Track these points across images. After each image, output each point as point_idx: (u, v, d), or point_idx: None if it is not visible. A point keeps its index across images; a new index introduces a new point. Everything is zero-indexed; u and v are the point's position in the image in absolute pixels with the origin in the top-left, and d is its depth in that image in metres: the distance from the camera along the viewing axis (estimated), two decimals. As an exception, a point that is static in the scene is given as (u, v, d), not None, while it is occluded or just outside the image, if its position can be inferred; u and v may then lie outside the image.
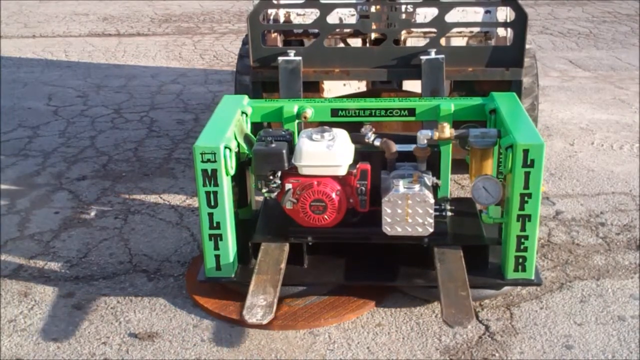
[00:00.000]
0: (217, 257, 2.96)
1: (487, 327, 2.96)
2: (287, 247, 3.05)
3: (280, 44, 3.73)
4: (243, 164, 3.07)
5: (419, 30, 3.80)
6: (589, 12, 10.59)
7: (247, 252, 3.08)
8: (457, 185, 4.34)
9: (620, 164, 4.70)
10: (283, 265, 2.93)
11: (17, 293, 3.27)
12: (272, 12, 3.78)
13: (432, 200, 2.83)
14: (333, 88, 4.30)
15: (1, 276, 3.40)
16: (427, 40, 3.70)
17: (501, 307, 3.09)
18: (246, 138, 3.11)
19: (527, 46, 3.49)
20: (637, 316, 3.02)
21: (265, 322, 2.63)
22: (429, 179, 2.92)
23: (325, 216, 2.94)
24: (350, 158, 2.94)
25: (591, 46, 8.43)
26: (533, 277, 2.93)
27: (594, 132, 5.33)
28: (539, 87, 4.06)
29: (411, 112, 3.24)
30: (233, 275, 3.01)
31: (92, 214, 4.04)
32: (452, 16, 3.45)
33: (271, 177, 2.92)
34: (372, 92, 3.99)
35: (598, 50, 8.20)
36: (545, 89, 6.39)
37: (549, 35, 9.05)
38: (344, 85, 4.30)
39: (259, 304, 2.69)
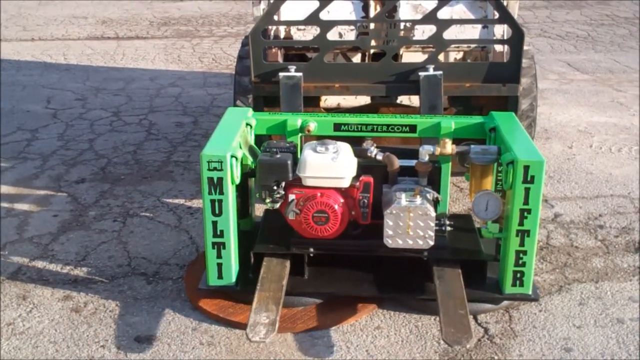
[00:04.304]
0: (220, 265, 2.98)
1: (486, 330, 2.97)
2: (288, 263, 3.07)
3: (280, 59, 3.78)
4: (246, 175, 3.09)
5: (418, 45, 3.84)
6: (587, 15, 10.61)
7: (247, 263, 3.10)
8: (455, 188, 4.34)
9: (618, 166, 4.71)
10: (285, 282, 2.95)
11: (15, 296, 3.26)
12: (272, 27, 3.81)
13: (433, 214, 2.86)
14: (330, 97, 4.34)
15: (0, 279, 3.40)
16: (426, 54, 3.73)
17: (500, 309, 3.09)
18: (250, 149, 3.14)
19: (525, 47, 3.51)
20: (636, 319, 3.03)
21: (268, 340, 2.65)
22: (429, 194, 2.95)
23: (327, 227, 2.96)
24: (353, 170, 2.97)
25: (589, 49, 8.45)
26: (530, 293, 2.96)
27: (592, 135, 5.34)
28: (538, 89, 4.07)
29: (412, 128, 3.29)
30: (234, 284, 3.03)
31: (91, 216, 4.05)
32: (449, 30, 3.49)
33: (275, 188, 2.95)
34: (371, 105, 4.03)
35: (596, 53, 8.22)
36: (543, 92, 6.40)
37: (547, 38, 9.06)
38: (344, 98, 4.36)
39: (261, 322, 2.70)
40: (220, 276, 3.00)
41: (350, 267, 3.14)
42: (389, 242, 2.91)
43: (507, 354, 2.81)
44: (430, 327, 2.98)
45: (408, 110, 3.93)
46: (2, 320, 3.08)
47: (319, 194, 2.94)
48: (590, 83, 6.89)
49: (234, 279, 3.02)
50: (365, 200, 2.97)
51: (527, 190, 2.78)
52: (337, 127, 3.32)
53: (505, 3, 3.59)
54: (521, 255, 2.88)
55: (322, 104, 4.14)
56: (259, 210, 3.59)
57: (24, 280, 3.40)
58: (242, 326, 2.83)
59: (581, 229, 3.84)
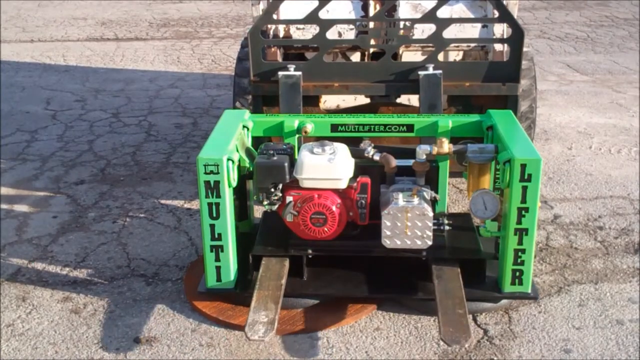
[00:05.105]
0: (218, 268, 2.98)
1: (485, 331, 2.97)
2: (287, 262, 3.06)
3: (279, 58, 3.78)
4: (244, 177, 3.09)
5: (417, 44, 3.84)
6: (586, 16, 10.62)
7: (247, 265, 3.10)
8: (455, 190, 4.34)
9: (618, 167, 4.71)
10: (284, 281, 2.95)
11: (15, 297, 3.26)
12: (272, 26, 3.82)
13: (431, 214, 2.86)
14: (330, 99, 4.34)
15: (-1, 280, 3.41)
16: (425, 53, 3.73)
17: (499, 310, 3.09)
18: (247, 151, 3.14)
19: (524, 49, 3.51)
20: (636, 320, 3.03)
21: (267, 339, 2.65)
22: (427, 193, 2.96)
23: (325, 229, 2.96)
24: (350, 171, 2.97)
25: (589, 50, 8.45)
26: (529, 291, 2.96)
27: (591, 136, 5.34)
28: (537, 90, 4.07)
29: (410, 128, 3.29)
30: (233, 287, 3.02)
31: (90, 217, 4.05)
32: (449, 30, 3.49)
33: (272, 190, 2.95)
34: (371, 106, 4.03)
35: (596, 54, 8.22)
36: (543, 93, 6.40)
37: (546, 39, 9.07)
38: (343, 100, 4.36)
39: (260, 321, 2.69)
40: (219, 279, 3.00)
41: (349, 268, 3.14)
42: (387, 242, 2.91)
43: (506, 355, 2.81)
44: (430, 328, 2.98)
45: (408, 110, 3.93)
46: (1, 322, 3.07)
47: (316, 196, 2.94)
48: (589, 84, 6.89)
49: (232, 282, 3.02)
50: (363, 201, 2.97)
51: (524, 188, 2.78)
52: (335, 127, 3.32)
53: (505, 3, 3.59)
54: (520, 253, 2.87)
55: (322, 105, 4.14)
56: (258, 212, 3.59)
57: (24, 281, 3.40)
58: (242, 329, 2.82)
59: (581, 230, 3.84)
